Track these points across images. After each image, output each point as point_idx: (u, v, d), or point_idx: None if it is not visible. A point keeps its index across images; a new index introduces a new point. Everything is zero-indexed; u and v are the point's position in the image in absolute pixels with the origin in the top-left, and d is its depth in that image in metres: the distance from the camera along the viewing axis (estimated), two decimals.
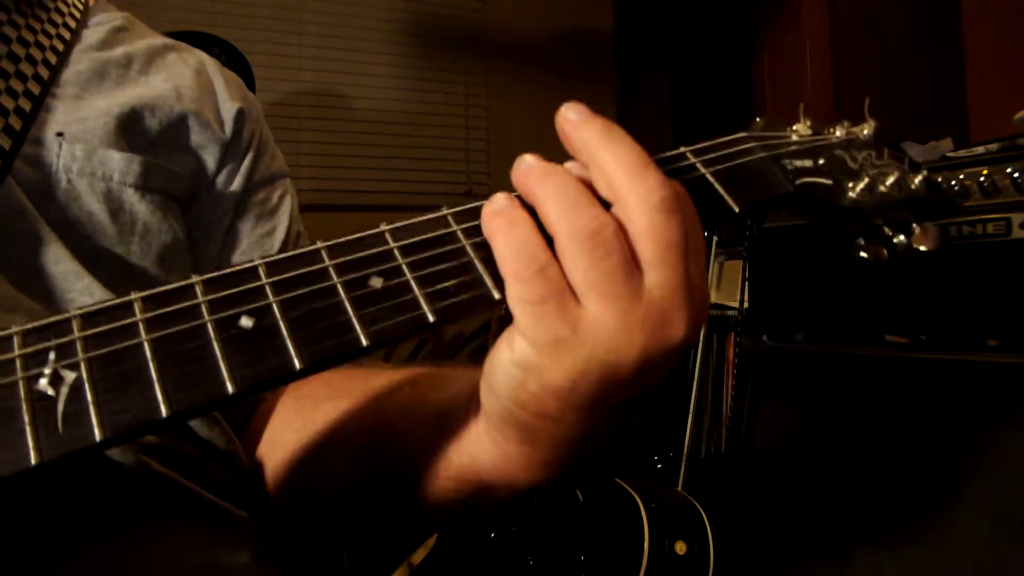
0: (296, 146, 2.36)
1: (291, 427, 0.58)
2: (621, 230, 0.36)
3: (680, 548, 1.20)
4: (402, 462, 0.48)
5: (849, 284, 1.20)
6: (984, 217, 1.03)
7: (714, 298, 1.53)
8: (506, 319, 0.38)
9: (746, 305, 1.35)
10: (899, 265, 0.48)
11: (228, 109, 0.65)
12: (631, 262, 0.36)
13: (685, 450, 1.49)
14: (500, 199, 0.39)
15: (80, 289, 0.50)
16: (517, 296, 0.36)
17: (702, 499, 1.31)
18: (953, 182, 1.05)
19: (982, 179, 1.03)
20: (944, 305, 1.09)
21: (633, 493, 1.24)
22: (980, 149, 1.08)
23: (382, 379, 0.55)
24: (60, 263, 0.50)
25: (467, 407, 0.45)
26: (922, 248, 0.47)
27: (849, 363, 1.19)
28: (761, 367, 1.33)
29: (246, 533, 0.52)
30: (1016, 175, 1.00)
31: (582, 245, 0.36)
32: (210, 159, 0.63)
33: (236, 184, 0.64)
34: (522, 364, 0.37)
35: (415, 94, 2.56)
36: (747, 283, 1.35)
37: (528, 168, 0.39)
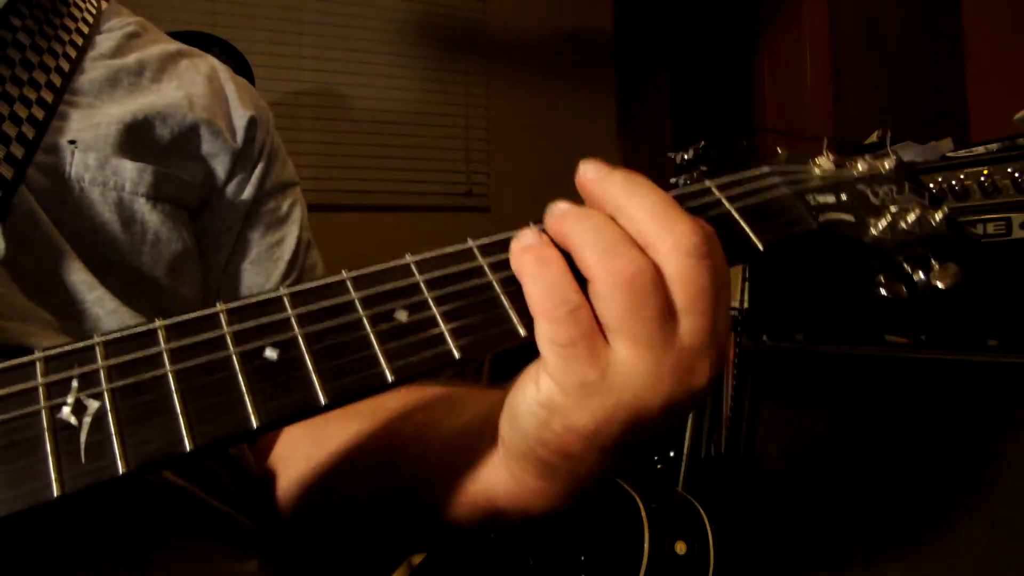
0: (296, 146, 2.36)
1: (302, 444, 0.57)
2: (658, 275, 0.36)
3: (680, 548, 1.20)
4: (419, 486, 0.48)
5: (849, 284, 1.20)
6: (984, 217, 1.03)
7: None
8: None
9: (746, 305, 1.35)
10: (918, 302, 0.48)
11: (240, 117, 0.65)
12: (667, 309, 0.36)
13: (685, 450, 1.49)
14: (529, 235, 0.38)
15: (93, 300, 0.50)
16: (547, 337, 0.36)
17: (702, 499, 1.31)
18: (953, 182, 1.05)
19: (982, 179, 1.03)
20: (944, 305, 1.09)
21: (633, 493, 1.24)
22: (980, 149, 1.08)
23: (395, 401, 0.54)
24: (74, 273, 0.50)
25: (481, 435, 0.44)
26: (941, 286, 0.47)
27: (849, 363, 1.19)
28: (761, 367, 1.33)
29: (254, 543, 0.52)
30: (1016, 175, 1.00)
31: (621, 290, 0.35)
32: (220, 168, 0.62)
33: (247, 193, 0.64)
34: (547, 404, 0.37)
35: (415, 94, 2.56)
36: (747, 283, 1.35)
37: (563, 213, 0.38)
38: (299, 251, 0.67)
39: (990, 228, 1.02)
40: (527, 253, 0.37)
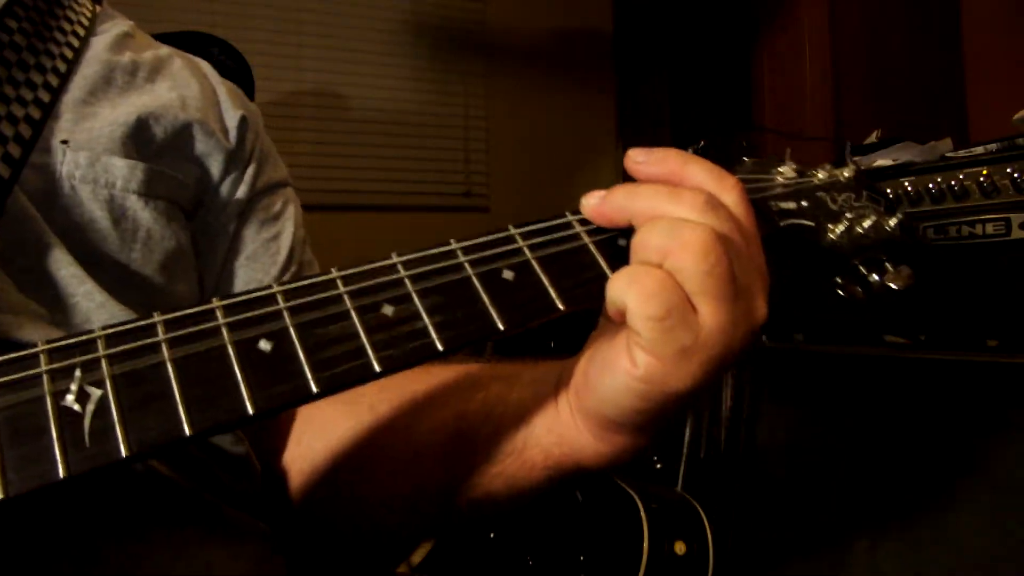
0: (295, 146, 2.36)
1: (339, 427, 0.57)
2: (716, 233, 0.40)
3: (680, 548, 1.20)
4: (493, 462, 0.50)
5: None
6: (984, 217, 1.03)
7: None
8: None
9: None
10: (875, 302, 0.50)
11: (232, 117, 0.66)
12: (729, 260, 0.39)
13: (684, 450, 1.49)
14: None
15: (83, 294, 0.51)
16: (643, 314, 0.38)
17: (702, 499, 1.31)
18: (952, 182, 1.05)
19: (982, 179, 1.03)
20: (944, 305, 1.09)
21: (632, 493, 1.24)
22: (980, 149, 1.08)
23: (438, 379, 0.56)
24: (62, 268, 0.51)
25: (555, 405, 0.47)
26: (894, 287, 0.50)
27: (848, 363, 1.19)
28: (760, 367, 1.33)
29: (249, 538, 0.52)
30: (1016, 175, 1.00)
31: (698, 256, 0.38)
32: (215, 167, 0.63)
33: (241, 192, 0.64)
34: (646, 378, 0.39)
35: (414, 94, 2.56)
36: None
37: (613, 193, 0.43)
38: (295, 246, 0.67)
39: (990, 228, 1.02)
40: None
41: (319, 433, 0.58)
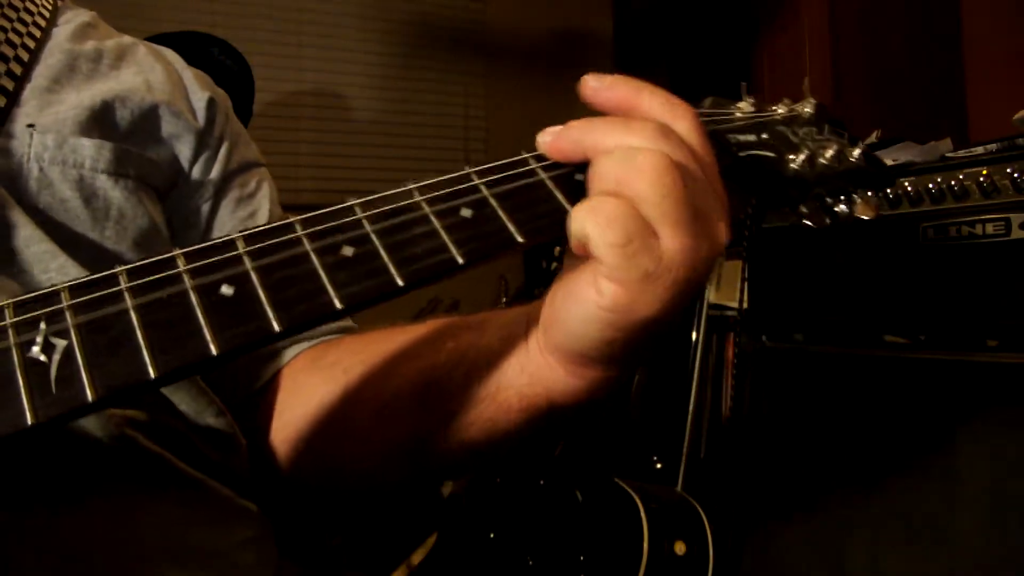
0: (296, 146, 2.36)
1: (317, 392, 0.58)
2: (670, 158, 0.40)
3: (679, 548, 1.20)
4: (467, 408, 0.51)
5: (849, 284, 1.20)
6: (984, 217, 1.03)
7: (713, 298, 1.53)
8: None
9: (745, 305, 1.35)
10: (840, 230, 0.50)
11: (199, 99, 0.66)
12: (685, 184, 0.40)
13: (685, 450, 1.49)
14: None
15: (56, 268, 0.51)
16: (606, 241, 0.38)
17: (702, 499, 1.31)
18: (952, 182, 1.05)
19: (981, 179, 1.03)
20: (944, 305, 1.09)
21: (632, 493, 1.24)
22: (980, 149, 1.08)
23: (409, 335, 0.56)
24: (33, 245, 0.51)
25: (526, 345, 0.48)
26: (863, 217, 0.50)
27: (848, 363, 1.19)
28: (761, 367, 1.33)
29: (238, 517, 0.53)
30: (1016, 175, 1.00)
31: (655, 183, 0.39)
32: (185, 148, 0.64)
33: (215, 171, 0.65)
34: (612, 307, 0.39)
35: (415, 94, 2.56)
36: (746, 283, 1.35)
37: (569, 128, 0.43)
38: (272, 222, 0.67)
39: (990, 228, 1.02)
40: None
41: (301, 401, 0.59)
